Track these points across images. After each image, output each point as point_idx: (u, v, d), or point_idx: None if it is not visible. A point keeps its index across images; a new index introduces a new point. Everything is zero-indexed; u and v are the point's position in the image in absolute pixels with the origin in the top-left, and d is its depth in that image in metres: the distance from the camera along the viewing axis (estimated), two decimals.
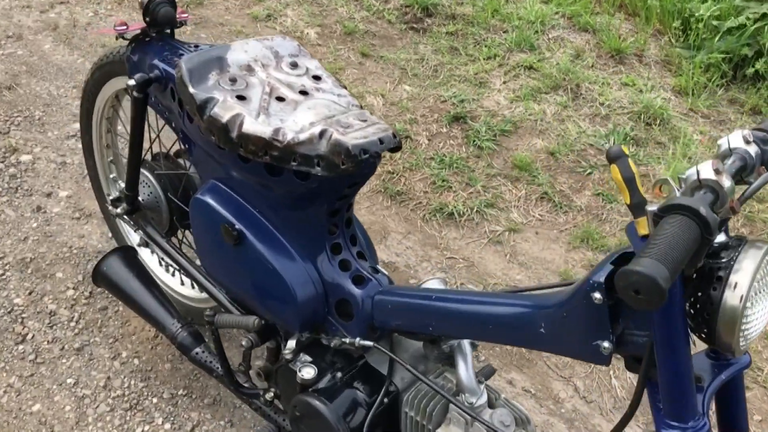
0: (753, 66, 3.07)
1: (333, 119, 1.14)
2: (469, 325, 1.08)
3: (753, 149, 0.86)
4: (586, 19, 3.48)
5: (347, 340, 1.23)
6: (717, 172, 0.73)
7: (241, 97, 1.16)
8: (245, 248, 1.25)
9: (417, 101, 2.92)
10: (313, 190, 1.18)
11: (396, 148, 1.13)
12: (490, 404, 1.18)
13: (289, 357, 1.28)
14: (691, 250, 0.67)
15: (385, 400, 1.23)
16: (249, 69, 1.23)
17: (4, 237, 2.14)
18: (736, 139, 0.85)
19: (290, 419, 1.29)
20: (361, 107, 1.24)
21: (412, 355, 1.29)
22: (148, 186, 1.58)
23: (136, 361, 1.81)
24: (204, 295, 1.76)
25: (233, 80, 1.19)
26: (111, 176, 1.89)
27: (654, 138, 2.77)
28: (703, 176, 0.74)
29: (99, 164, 1.89)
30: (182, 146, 1.45)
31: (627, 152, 0.82)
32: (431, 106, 2.89)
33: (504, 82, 3.06)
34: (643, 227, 0.80)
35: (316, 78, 1.27)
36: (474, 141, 2.67)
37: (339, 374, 1.26)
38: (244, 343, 1.36)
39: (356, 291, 1.22)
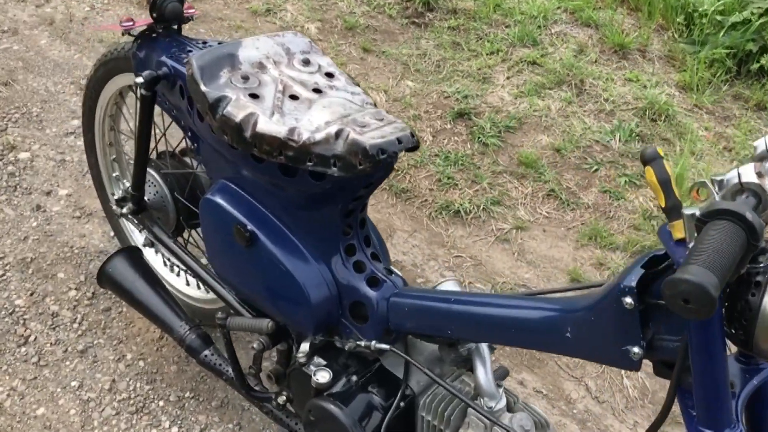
0: (758, 61, 3.05)
1: (349, 118, 1.11)
2: (491, 329, 1.06)
3: None
4: (588, 14, 3.45)
5: (362, 343, 1.21)
6: (759, 175, 0.71)
7: (254, 96, 1.13)
8: (257, 249, 1.22)
9: (420, 97, 2.89)
10: (328, 191, 1.15)
11: (414, 148, 1.10)
12: (509, 408, 1.16)
13: (302, 360, 1.25)
14: (738, 256, 0.65)
15: (402, 404, 1.20)
16: (261, 66, 1.20)
17: (3, 236, 2.11)
18: None
19: (304, 424, 1.27)
20: (375, 105, 1.21)
21: (427, 358, 1.26)
22: (155, 185, 1.55)
23: (141, 363, 1.78)
24: (210, 295, 1.73)
25: (245, 78, 1.16)
26: (114, 175, 1.86)
27: (659, 134, 2.75)
28: (745, 179, 0.71)
29: (101, 162, 1.85)
30: (191, 145, 1.42)
31: (662, 154, 0.79)
32: (435, 102, 2.86)
33: (507, 78, 3.04)
34: (679, 231, 0.78)
35: (329, 75, 1.24)
36: (479, 137, 2.65)
37: (354, 378, 1.24)
38: (255, 345, 1.33)
39: (371, 293, 1.19)
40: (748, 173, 0.72)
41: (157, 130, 1.54)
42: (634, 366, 0.88)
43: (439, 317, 1.12)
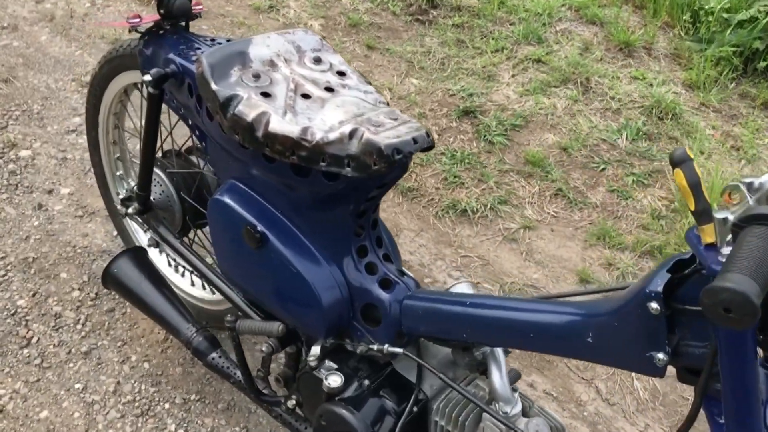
0: (765, 59, 3.03)
1: (363, 117, 1.09)
2: (508, 333, 1.03)
3: None
4: (593, 12, 3.43)
5: (374, 347, 1.18)
6: None
7: (265, 94, 1.11)
8: (268, 251, 1.20)
9: (425, 95, 2.86)
10: (341, 191, 1.13)
11: (429, 148, 1.08)
12: (525, 413, 1.14)
13: (313, 364, 1.23)
14: None
15: (415, 408, 1.18)
16: (272, 64, 1.17)
17: (5, 236, 2.08)
18: None
19: (315, 428, 1.24)
20: (388, 104, 1.19)
21: (440, 361, 1.24)
22: (160, 185, 1.53)
23: (146, 364, 1.76)
24: (215, 296, 1.71)
25: (256, 76, 1.13)
26: (118, 173, 1.83)
27: (667, 133, 2.73)
28: None
29: (105, 161, 1.82)
30: (199, 144, 1.39)
31: (691, 155, 0.77)
32: (440, 99, 2.84)
33: (513, 76, 3.01)
34: (710, 235, 0.75)
35: (341, 74, 1.22)
36: (485, 136, 2.62)
37: (366, 382, 1.22)
38: (264, 348, 1.31)
39: (384, 295, 1.17)
40: None
41: (162, 129, 1.51)
42: (659, 372, 0.86)
43: (455, 320, 1.10)
